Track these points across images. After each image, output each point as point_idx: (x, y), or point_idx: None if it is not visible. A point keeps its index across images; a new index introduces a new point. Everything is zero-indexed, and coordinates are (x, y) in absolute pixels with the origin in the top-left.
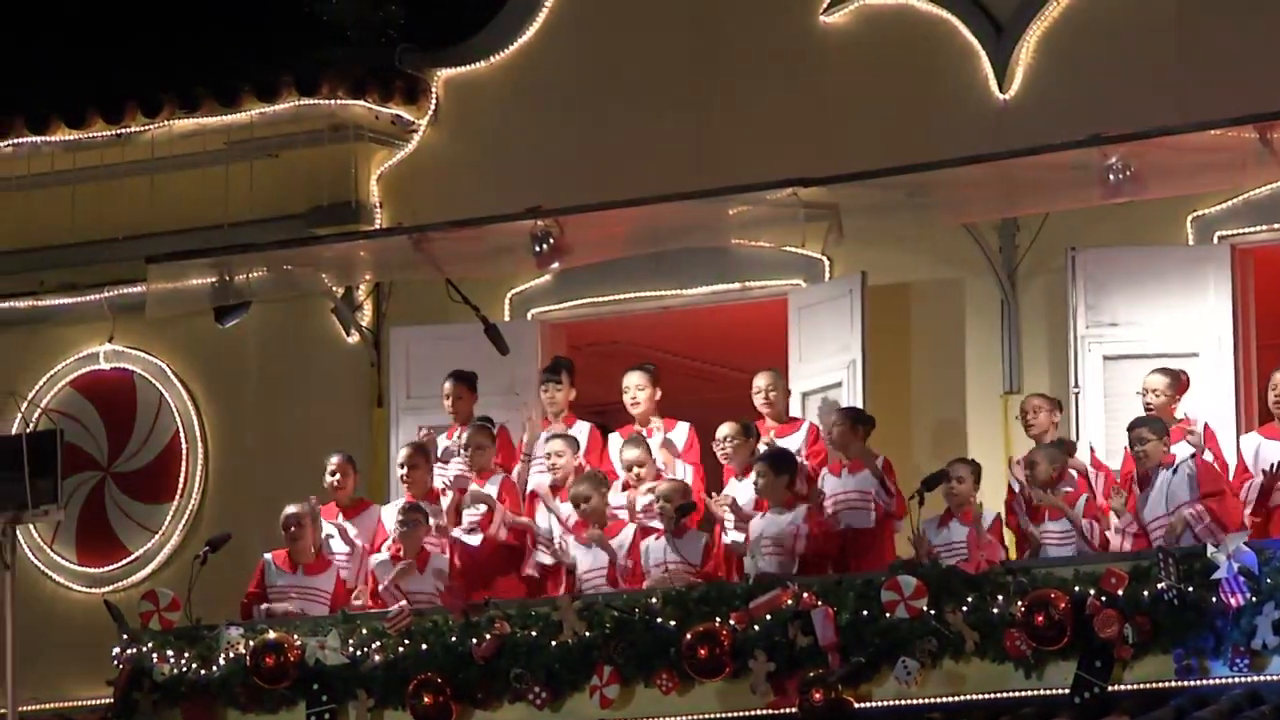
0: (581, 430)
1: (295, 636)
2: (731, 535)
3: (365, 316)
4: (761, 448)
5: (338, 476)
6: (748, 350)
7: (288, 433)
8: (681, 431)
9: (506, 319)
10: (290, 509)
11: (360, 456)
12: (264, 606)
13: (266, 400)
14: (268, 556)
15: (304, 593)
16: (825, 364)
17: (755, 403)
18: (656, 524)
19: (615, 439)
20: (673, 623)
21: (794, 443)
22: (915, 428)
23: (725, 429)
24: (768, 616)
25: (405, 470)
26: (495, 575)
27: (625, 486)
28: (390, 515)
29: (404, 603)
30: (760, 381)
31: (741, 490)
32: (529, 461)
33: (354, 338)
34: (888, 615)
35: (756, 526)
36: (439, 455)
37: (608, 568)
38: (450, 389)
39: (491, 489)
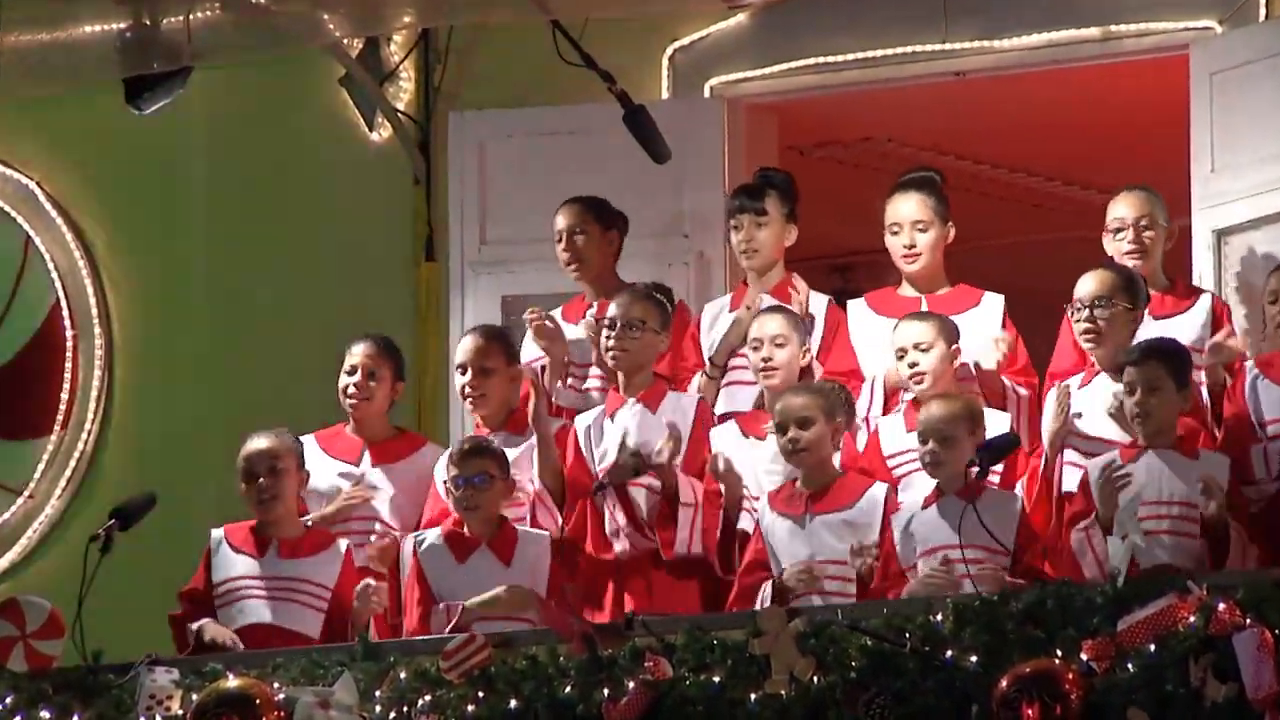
0: (815, 305)
1: (274, 684)
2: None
3: (404, 94)
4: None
5: (359, 379)
6: (1111, 153)
7: (260, 308)
8: (993, 309)
9: (665, 96)
10: (256, 441)
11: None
12: (198, 624)
13: (222, 248)
14: (217, 533)
15: (282, 592)
16: (1256, 178)
17: (1112, 248)
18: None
19: (861, 313)
20: (974, 658)
21: (1185, 327)
22: None
23: (1092, 282)
24: (1150, 646)
25: (469, 378)
26: (668, 578)
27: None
28: (443, 466)
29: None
30: (1123, 209)
31: (1094, 399)
32: (719, 379)
33: (382, 132)
34: None
35: (1134, 477)
36: (568, 359)
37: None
38: (567, 224)
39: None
